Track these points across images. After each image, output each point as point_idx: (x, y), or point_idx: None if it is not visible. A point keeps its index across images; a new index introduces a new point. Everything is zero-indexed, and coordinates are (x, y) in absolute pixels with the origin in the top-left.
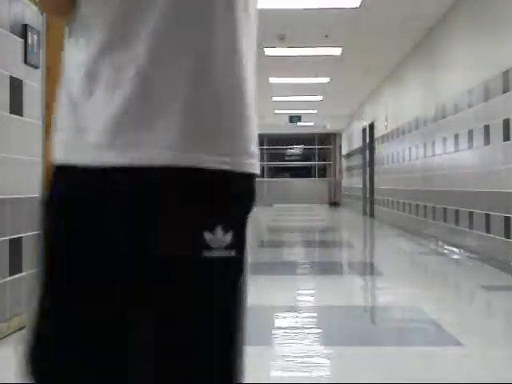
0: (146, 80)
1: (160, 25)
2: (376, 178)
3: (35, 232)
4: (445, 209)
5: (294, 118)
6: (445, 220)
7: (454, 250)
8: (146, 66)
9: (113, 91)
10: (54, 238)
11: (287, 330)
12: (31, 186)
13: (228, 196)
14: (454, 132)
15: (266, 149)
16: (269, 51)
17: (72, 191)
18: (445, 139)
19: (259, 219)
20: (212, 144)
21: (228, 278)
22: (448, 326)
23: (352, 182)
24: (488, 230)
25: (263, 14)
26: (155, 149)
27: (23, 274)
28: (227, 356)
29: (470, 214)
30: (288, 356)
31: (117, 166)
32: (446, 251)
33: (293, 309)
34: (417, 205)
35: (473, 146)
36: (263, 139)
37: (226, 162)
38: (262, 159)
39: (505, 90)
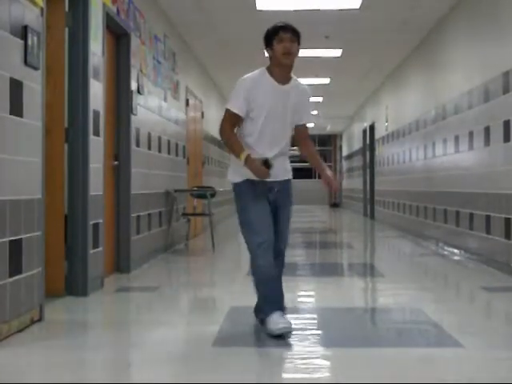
0: None
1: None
2: (376, 179)
3: (35, 233)
4: (445, 210)
5: None
6: (445, 221)
7: (455, 251)
8: None
9: None
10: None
11: None
12: (31, 188)
13: None
14: (455, 133)
15: None
16: None
17: None
18: (445, 140)
19: None
20: None
21: None
22: (448, 327)
23: (352, 183)
24: (488, 232)
25: (263, 15)
26: None
27: (23, 275)
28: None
29: (471, 215)
30: (288, 357)
31: None
32: (446, 252)
33: (294, 310)
34: (417, 206)
35: (473, 148)
36: None
37: None
38: None
39: (505, 91)
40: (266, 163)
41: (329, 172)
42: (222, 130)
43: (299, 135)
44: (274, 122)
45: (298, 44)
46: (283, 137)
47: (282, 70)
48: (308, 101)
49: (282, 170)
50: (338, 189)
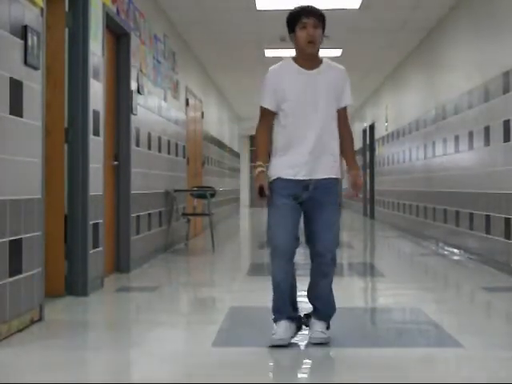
0: None
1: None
2: (376, 179)
3: (35, 233)
4: (445, 210)
5: None
6: (445, 221)
7: (455, 251)
8: None
9: None
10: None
11: None
12: (31, 188)
13: None
14: (455, 133)
15: None
16: (269, 52)
17: None
18: (445, 140)
19: (259, 220)
20: None
21: None
22: (448, 327)
23: None
24: (488, 231)
25: (263, 15)
26: None
27: (23, 275)
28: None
29: (471, 215)
30: (288, 357)
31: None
32: (446, 252)
33: None
34: (417, 206)
35: (473, 147)
36: None
37: None
38: None
39: (505, 91)
40: (261, 190)
41: (355, 173)
42: (256, 130)
43: (338, 121)
44: (306, 110)
45: (323, 29)
46: (319, 126)
47: (306, 57)
48: (344, 81)
49: (320, 166)
50: (356, 195)
